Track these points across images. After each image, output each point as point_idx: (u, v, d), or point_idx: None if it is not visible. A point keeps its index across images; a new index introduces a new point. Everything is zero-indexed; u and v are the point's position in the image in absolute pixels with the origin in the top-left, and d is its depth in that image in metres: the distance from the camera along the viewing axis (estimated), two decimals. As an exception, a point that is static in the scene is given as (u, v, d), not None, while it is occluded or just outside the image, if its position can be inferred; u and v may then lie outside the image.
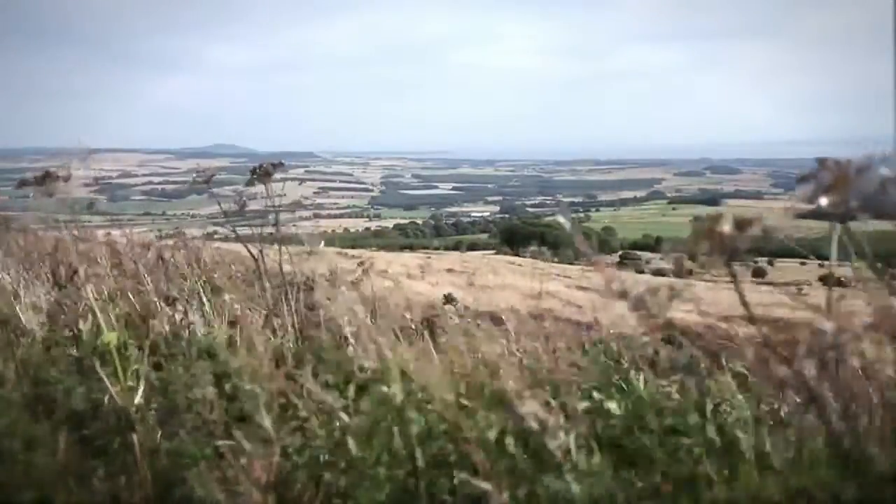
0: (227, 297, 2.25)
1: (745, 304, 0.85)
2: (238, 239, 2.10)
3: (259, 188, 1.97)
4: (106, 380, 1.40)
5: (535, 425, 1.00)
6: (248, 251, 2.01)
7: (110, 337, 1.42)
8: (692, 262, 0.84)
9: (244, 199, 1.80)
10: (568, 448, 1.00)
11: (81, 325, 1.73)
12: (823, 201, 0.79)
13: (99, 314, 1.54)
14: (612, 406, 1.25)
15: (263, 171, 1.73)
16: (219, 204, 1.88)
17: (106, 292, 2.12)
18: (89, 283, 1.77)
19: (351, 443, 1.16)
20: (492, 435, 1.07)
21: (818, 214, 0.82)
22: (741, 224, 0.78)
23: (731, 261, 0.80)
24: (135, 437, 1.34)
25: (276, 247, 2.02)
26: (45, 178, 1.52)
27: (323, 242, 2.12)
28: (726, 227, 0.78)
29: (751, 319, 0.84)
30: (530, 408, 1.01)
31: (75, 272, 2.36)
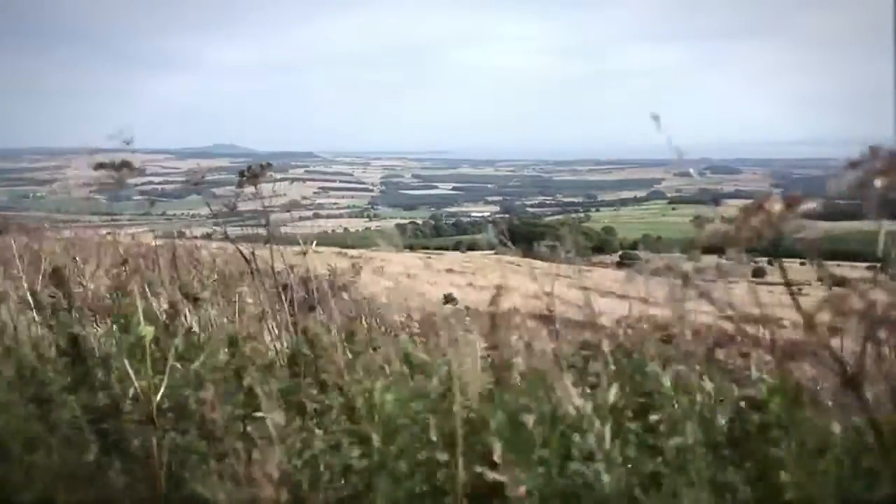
0: (233, 297, 2.25)
1: (797, 303, 0.84)
2: (229, 239, 2.09)
3: (258, 188, 1.97)
4: (132, 375, 1.41)
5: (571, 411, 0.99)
6: (240, 252, 2.01)
7: (147, 330, 1.42)
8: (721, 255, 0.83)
9: (234, 200, 1.80)
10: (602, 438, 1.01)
11: (88, 323, 1.74)
12: (878, 183, 0.78)
13: (140, 308, 1.53)
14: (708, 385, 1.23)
15: (252, 174, 1.73)
16: (208, 205, 1.89)
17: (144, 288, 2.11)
18: (136, 278, 1.77)
19: (375, 439, 1.16)
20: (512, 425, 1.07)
21: (824, 215, 0.82)
22: (791, 202, 0.75)
23: (777, 242, 0.78)
24: (154, 432, 1.34)
25: (271, 247, 2.02)
26: (123, 165, 1.49)
27: (315, 242, 2.12)
28: (776, 206, 0.76)
29: (810, 326, 0.82)
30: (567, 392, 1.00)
31: (124, 264, 2.36)
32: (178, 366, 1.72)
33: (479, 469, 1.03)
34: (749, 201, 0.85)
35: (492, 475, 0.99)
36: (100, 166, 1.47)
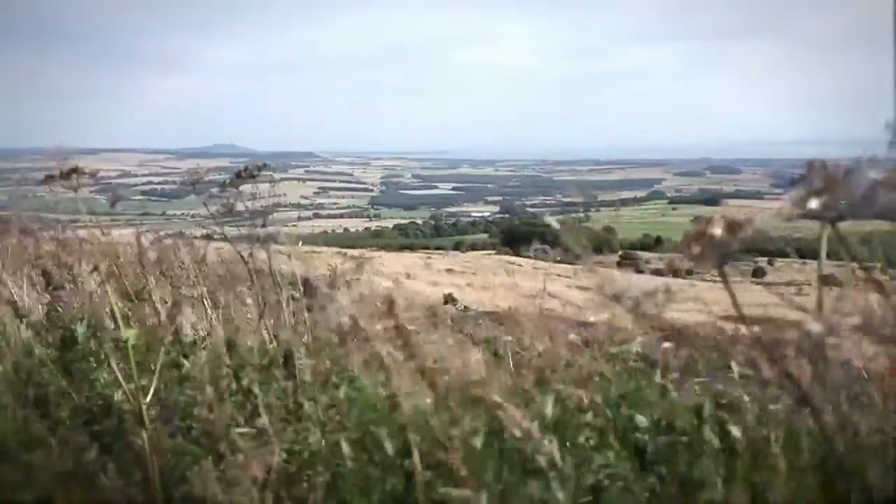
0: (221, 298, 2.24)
1: (736, 305, 0.84)
2: (226, 239, 2.09)
3: (258, 188, 1.96)
4: (120, 377, 1.40)
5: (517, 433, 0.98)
6: (238, 252, 2.01)
7: (129, 333, 1.42)
8: (689, 263, 0.84)
9: (231, 200, 1.79)
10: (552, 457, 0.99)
11: (77, 326, 1.73)
12: (814, 204, 0.79)
13: (118, 312, 1.54)
14: (641, 419, 1.24)
15: (248, 174, 1.73)
16: (205, 205, 1.89)
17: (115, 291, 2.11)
18: (110, 282, 1.77)
19: (345, 446, 1.15)
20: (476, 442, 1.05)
21: (813, 215, 0.82)
22: (732, 226, 0.77)
23: (721, 264, 0.79)
24: (144, 434, 1.34)
25: (271, 247, 2.01)
26: (72, 172, 1.49)
27: (302, 242, 2.11)
28: (717, 230, 0.78)
29: (742, 319, 0.84)
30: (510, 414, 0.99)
31: (95, 269, 2.35)
32: (176, 366, 1.72)
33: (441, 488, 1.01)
34: (740, 205, 0.85)
35: (455, 492, 0.98)
36: (49, 178, 1.48)
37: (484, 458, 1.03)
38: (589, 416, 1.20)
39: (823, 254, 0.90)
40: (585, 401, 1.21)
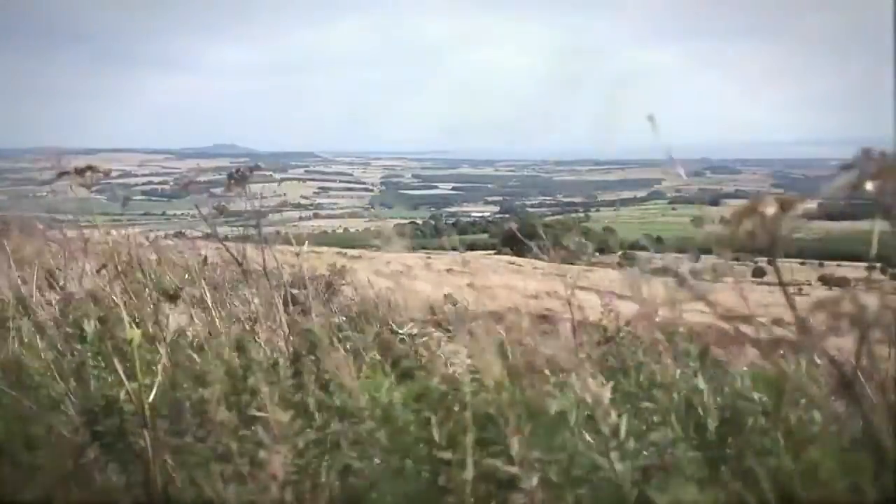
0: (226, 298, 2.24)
1: (791, 304, 0.84)
2: (219, 240, 2.09)
3: (256, 188, 1.96)
4: (123, 376, 1.41)
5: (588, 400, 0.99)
6: (230, 253, 2.01)
7: (133, 333, 1.43)
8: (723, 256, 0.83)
9: (223, 202, 1.80)
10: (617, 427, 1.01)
11: (86, 324, 1.73)
12: (870, 187, 0.78)
13: (124, 312, 1.55)
14: (701, 383, 1.26)
15: (240, 175, 1.73)
16: (196, 207, 1.89)
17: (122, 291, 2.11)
18: (117, 281, 1.77)
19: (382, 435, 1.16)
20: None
21: (829, 215, 0.82)
22: (784, 205, 0.75)
23: (772, 247, 0.78)
24: (146, 434, 1.34)
25: (267, 248, 2.01)
26: (87, 170, 1.50)
27: (306, 243, 2.12)
28: (769, 209, 0.76)
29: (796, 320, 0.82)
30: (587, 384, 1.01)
31: (103, 267, 2.35)
32: (179, 366, 1.71)
33: (493, 462, 1.03)
34: (743, 202, 0.85)
35: (506, 468, 0.99)
36: (62, 174, 1.48)
37: (551, 426, 1.04)
38: (656, 392, 1.21)
39: (875, 246, 0.89)
40: (658, 377, 1.23)
